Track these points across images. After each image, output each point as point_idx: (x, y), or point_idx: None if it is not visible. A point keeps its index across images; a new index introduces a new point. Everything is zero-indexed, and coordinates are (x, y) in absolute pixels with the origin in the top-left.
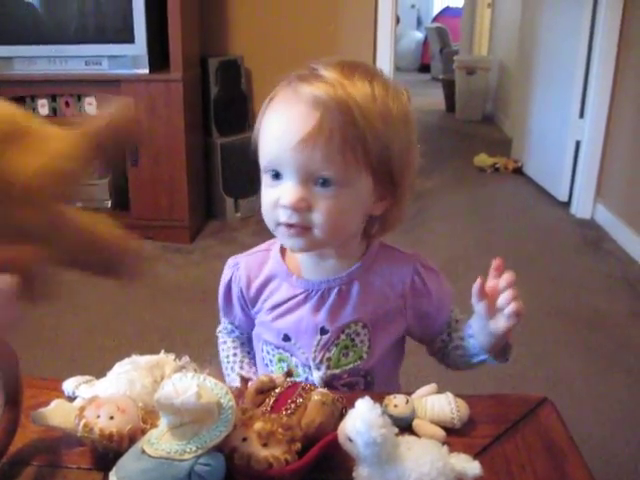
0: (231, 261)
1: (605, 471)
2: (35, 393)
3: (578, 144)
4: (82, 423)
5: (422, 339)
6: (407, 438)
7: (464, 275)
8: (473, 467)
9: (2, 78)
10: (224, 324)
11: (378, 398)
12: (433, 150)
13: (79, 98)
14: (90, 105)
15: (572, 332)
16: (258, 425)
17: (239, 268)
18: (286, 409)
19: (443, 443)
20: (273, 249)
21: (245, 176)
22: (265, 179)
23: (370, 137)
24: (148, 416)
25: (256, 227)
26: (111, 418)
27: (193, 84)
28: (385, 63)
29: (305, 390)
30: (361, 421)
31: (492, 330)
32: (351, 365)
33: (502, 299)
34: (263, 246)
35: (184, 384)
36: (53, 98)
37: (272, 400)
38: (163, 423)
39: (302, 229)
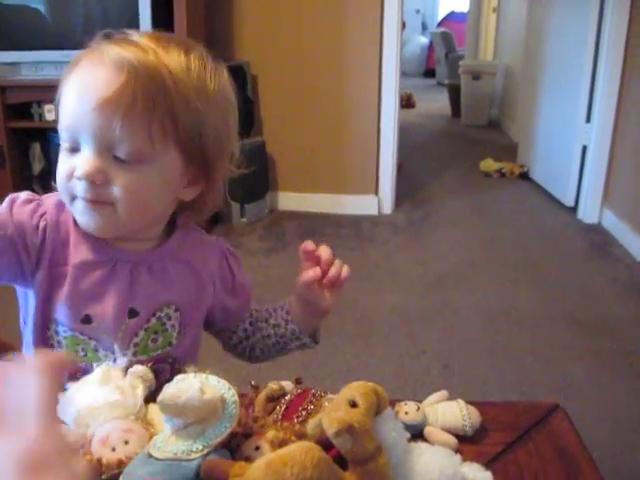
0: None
1: (614, 478)
2: None
3: (585, 149)
4: (105, 463)
5: (222, 329)
6: (419, 444)
7: (470, 280)
8: (485, 477)
9: (9, 83)
10: None
11: (389, 404)
12: (438, 155)
13: None
14: None
15: (580, 337)
16: (271, 433)
17: (45, 204)
18: (297, 416)
19: (455, 450)
20: None
21: (251, 181)
22: (62, 149)
23: (181, 109)
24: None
25: (262, 232)
26: (126, 443)
27: None
28: (391, 68)
29: (315, 397)
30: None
31: (323, 306)
32: (159, 351)
33: (332, 270)
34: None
35: (186, 383)
36: None
37: (283, 408)
38: (167, 427)
39: (100, 204)
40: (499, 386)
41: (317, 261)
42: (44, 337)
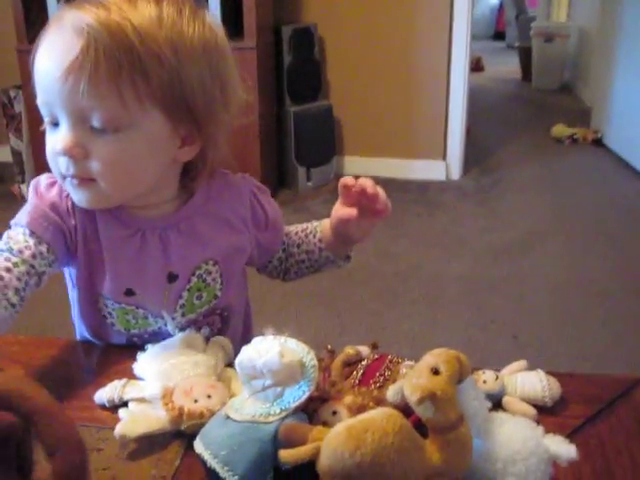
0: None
1: None
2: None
3: None
4: (187, 412)
5: (259, 264)
6: (500, 414)
7: (540, 249)
8: (569, 450)
9: None
10: (17, 235)
11: None
12: (508, 120)
13: None
14: None
15: None
16: (349, 398)
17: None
18: (375, 382)
19: (535, 422)
20: None
21: (317, 145)
22: (46, 125)
23: (152, 66)
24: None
25: (328, 196)
26: (209, 397)
27: (267, 52)
28: (461, 30)
29: (392, 362)
30: None
31: (357, 238)
32: (206, 306)
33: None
34: None
35: (266, 345)
36: None
37: (360, 373)
38: (245, 390)
39: (84, 180)
40: (569, 358)
41: (355, 196)
42: (95, 309)
